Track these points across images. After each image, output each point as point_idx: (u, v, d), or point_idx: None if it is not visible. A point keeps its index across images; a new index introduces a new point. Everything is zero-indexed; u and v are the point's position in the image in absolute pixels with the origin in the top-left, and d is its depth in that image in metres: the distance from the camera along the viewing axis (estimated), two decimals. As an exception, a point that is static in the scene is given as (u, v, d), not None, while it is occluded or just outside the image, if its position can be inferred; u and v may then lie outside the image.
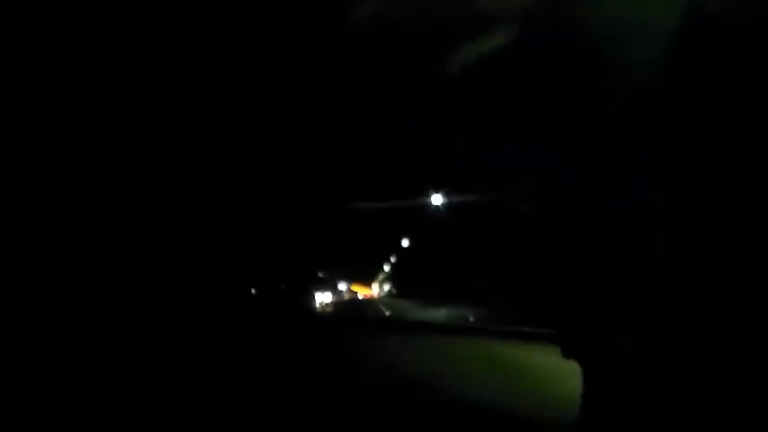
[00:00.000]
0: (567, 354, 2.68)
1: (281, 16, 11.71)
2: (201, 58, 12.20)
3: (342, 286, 62.57)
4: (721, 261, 2.34)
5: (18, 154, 9.80)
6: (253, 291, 22.34)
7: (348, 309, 37.40)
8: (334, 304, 42.83)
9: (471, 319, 19.14)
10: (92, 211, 11.50)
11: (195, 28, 11.38)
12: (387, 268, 62.44)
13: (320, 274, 44.53)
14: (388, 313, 32.06)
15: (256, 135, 15.80)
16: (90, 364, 7.80)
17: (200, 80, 12.66)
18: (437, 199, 22.45)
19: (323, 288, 44.15)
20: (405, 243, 41.06)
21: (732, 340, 2.25)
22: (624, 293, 2.61)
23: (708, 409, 2.24)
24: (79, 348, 8.37)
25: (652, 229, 2.64)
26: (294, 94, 14.55)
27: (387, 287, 66.60)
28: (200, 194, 15.36)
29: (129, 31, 10.68)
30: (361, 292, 67.14)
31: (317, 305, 37.16)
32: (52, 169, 10.56)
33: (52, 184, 10.57)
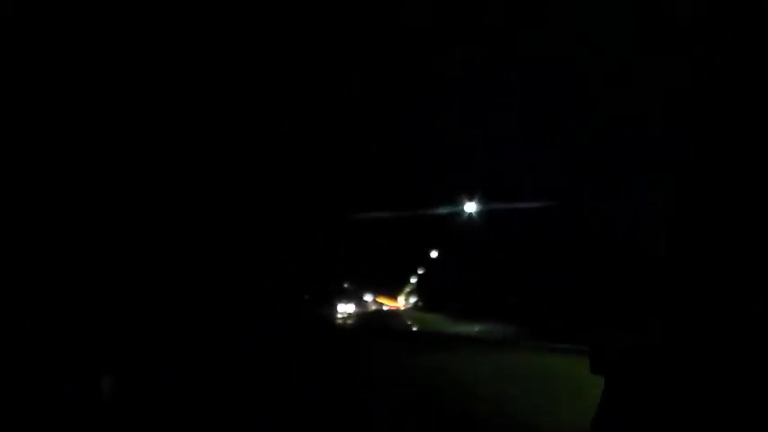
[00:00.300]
0: (595, 370, 2.67)
1: (281, 16, 11.70)
2: (202, 62, 12.19)
3: (368, 297, 62.12)
4: (721, 261, 2.35)
5: (18, 154, 9.80)
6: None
7: (372, 320, 35.82)
8: (357, 315, 42.06)
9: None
10: (93, 212, 11.50)
11: (194, 28, 11.38)
12: (413, 280, 60.77)
13: (346, 285, 44.18)
14: (415, 328, 29.92)
15: (259, 139, 15.80)
16: (90, 364, 7.80)
17: (201, 82, 12.65)
18: (470, 207, 20.69)
19: (348, 299, 43.68)
20: (433, 254, 39.17)
21: (732, 340, 2.25)
22: (624, 293, 2.62)
23: (708, 410, 2.25)
24: (79, 348, 8.37)
25: (652, 229, 2.64)
26: (294, 95, 14.56)
27: (413, 299, 65.21)
28: (211, 199, 15.36)
29: (128, 30, 10.67)
30: (387, 304, 66.59)
31: (339, 316, 36.35)
32: (52, 169, 10.56)
33: (52, 184, 10.56)
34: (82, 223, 11.20)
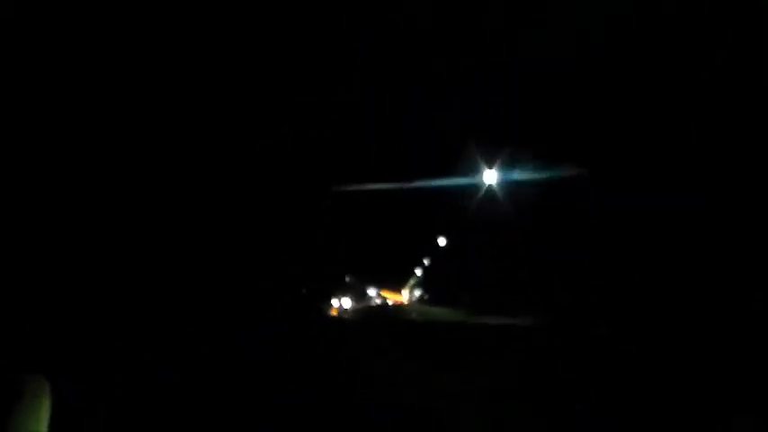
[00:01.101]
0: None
1: (281, 16, 11.70)
2: (202, 62, 12.19)
3: (371, 292, 59.09)
4: (721, 261, 2.35)
5: (18, 154, 9.80)
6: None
7: (374, 317, 31.95)
8: (355, 311, 37.57)
9: None
10: (91, 210, 11.50)
11: (194, 27, 11.37)
12: (419, 272, 55.25)
13: (348, 279, 41.10)
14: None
15: (258, 139, 15.79)
16: (90, 364, 7.80)
17: (201, 82, 12.66)
18: (490, 177, 16.82)
19: (348, 293, 39.20)
20: (441, 242, 33.96)
21: (732, 340, 2.25)
22: (624, 292, 2.62)
23: (708, 407, 2.25)
24: (79, 348, 8.38)
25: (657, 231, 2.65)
26: (294, 95, 14.55)
27: (417, 293, 60.19)
28: (211, 199, 15.33)
29: (128, 29, 10.67)
30: (391, 298, 63.16)
31: (332, 312, 32.46)
32: (52, 169, 10.56)
33: (52, 183, 10.57)
34: (81, 223, 11.20)
